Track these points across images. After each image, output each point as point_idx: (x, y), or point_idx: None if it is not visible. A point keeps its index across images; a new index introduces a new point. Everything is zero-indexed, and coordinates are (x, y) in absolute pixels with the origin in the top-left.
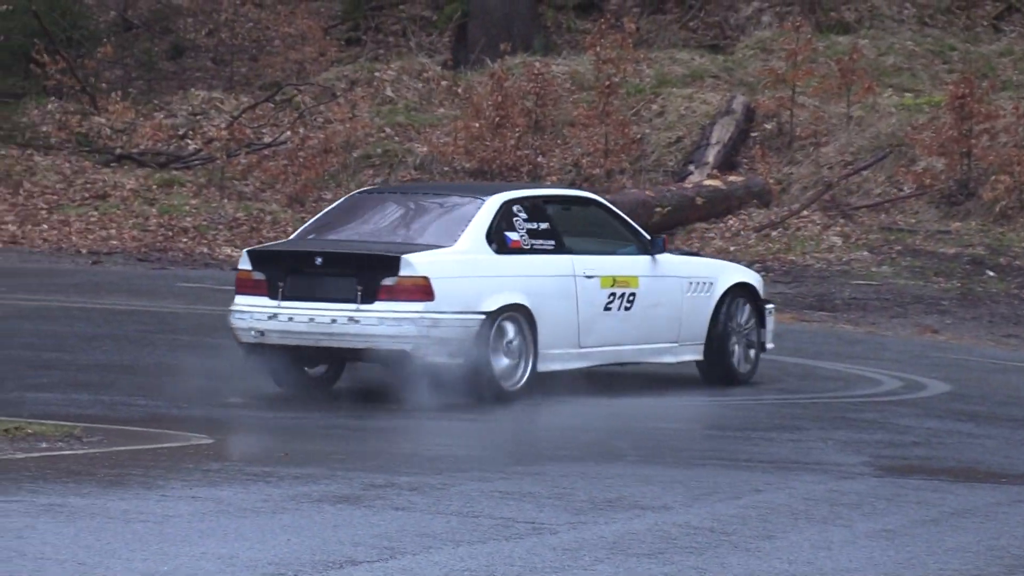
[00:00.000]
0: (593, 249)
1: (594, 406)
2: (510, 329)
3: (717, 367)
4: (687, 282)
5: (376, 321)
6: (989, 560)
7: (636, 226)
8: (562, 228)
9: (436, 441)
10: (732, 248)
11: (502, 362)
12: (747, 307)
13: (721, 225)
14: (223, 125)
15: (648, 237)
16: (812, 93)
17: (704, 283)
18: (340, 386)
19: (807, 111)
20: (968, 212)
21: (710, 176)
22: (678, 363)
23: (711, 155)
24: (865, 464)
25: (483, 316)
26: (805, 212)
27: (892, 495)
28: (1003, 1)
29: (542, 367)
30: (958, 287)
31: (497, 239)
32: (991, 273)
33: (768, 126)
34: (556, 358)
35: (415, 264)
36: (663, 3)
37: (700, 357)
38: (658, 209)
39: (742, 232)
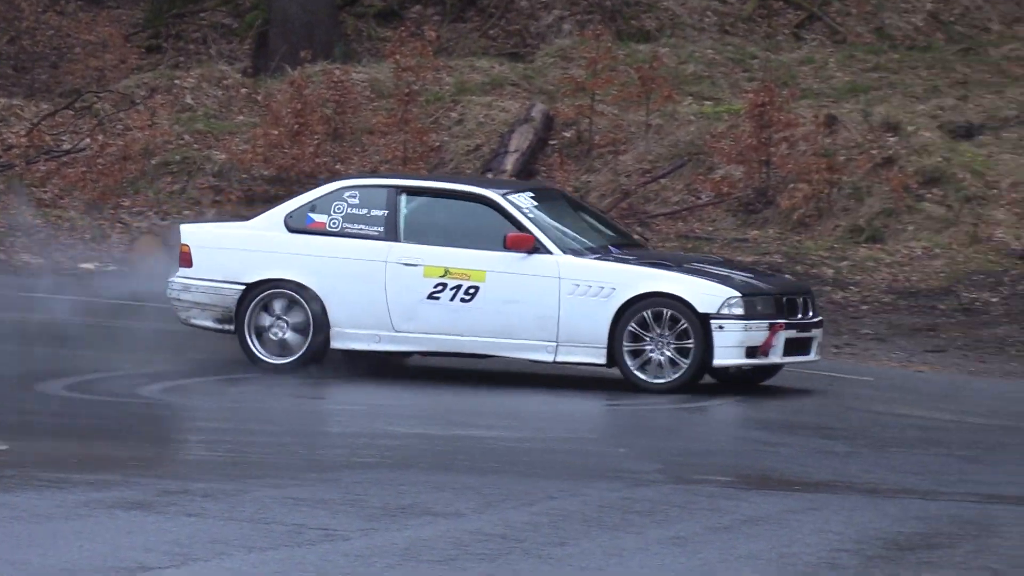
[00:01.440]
0: (443, 242)
1: (395, 409)
2: (278, 304)
3: (620, 372)
4: (571, 284)
5: (170, 285)
6: (781, 567)
7: (529, 225)
8: (422, 220)
9: (231, 447)
10: None
11: (275, 333)
12: (669, 316)
13: None
14: (23, 132)
15: (543, 239)
16: (611, 101)
17: (598, 287)
18: (152, 387)
19: (606, 119)
20: (766, 220)
21: None
22: (569, 363)
23: (509, 163)
24: (659, 471)
25: (242, 287)
26: None
27: (685, 502)
28: (804, 10)
29: (339, 344)
30: None
31: (298, 219)
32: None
33: (567, 134)
34: (359, 338)
35: (183, 232)
36: (464, 11)
37: (600, 360)
38: None
39: None
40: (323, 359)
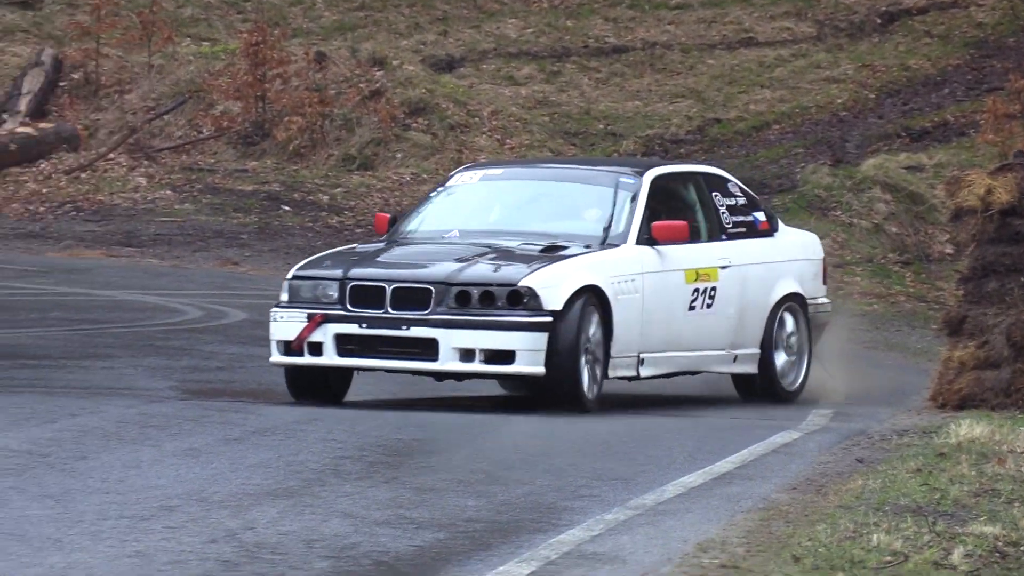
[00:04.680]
0: None
1: None
2: None
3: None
4: None
5: None
6: (288, 474)
7: None
8: None
9: None
10: (45, 190)
11: None
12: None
13: (34, 169)
14: None
15: None
16: (116, 44)
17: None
18: None
19: (112, 61)
20: (264, 151)
21: (22, 124)
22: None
23: (23, 104)
24: (172, 388)
25: None
26: (112, 155)
27: (198, 416)
28: None
29: None
30: (256, 221)
31: None
32: (287, 208)
33: (76, 76)
34: None
35: None
36: None
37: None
38: None
39: (54, 175)
40: None
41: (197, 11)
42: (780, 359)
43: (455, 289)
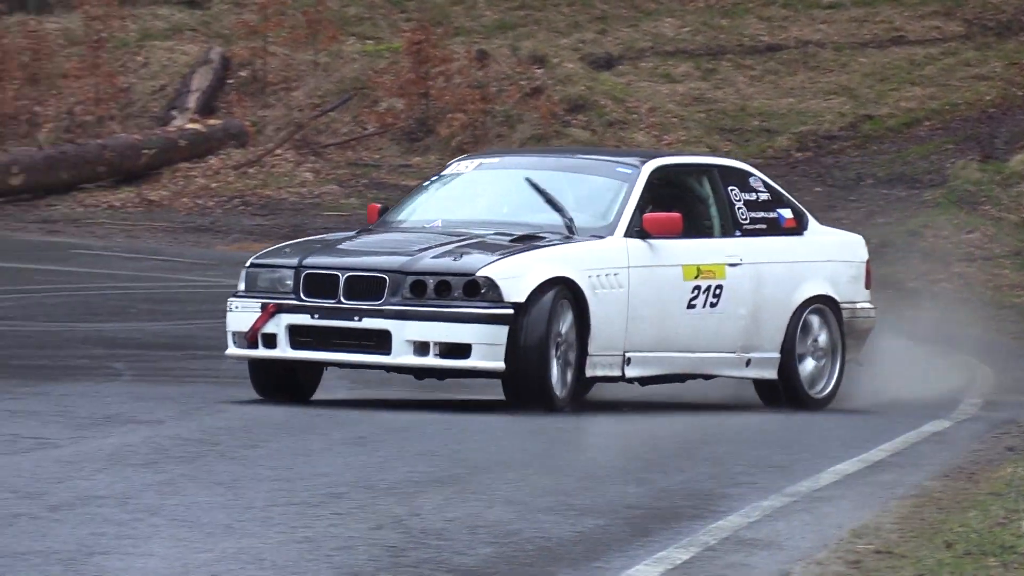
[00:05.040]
0: None
1: (92, 331)
2: None
3: None
4: None
5: None
6: (453, 462)
7: None
8: None
9: None
10: (214, 185)
11: None
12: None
13: (203, 164)
14: None
15: None
16: (282, 42)
17: None
18: None
19: (278, 59)
20: (427, 147)
21: (192, 120)
22: None
23: (192, 101)
24: (340, 378)
25: None
26: (279, 151)
27: (365, 406)
28: None
29: None
30: None
31: None
32: None
33: (243, 74)
34: None
35: None
36: None
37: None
38: (146, 151)
39: (222, 170)
40: None
41: (361, 10)
42: (805, 365)
43: (410, 279)
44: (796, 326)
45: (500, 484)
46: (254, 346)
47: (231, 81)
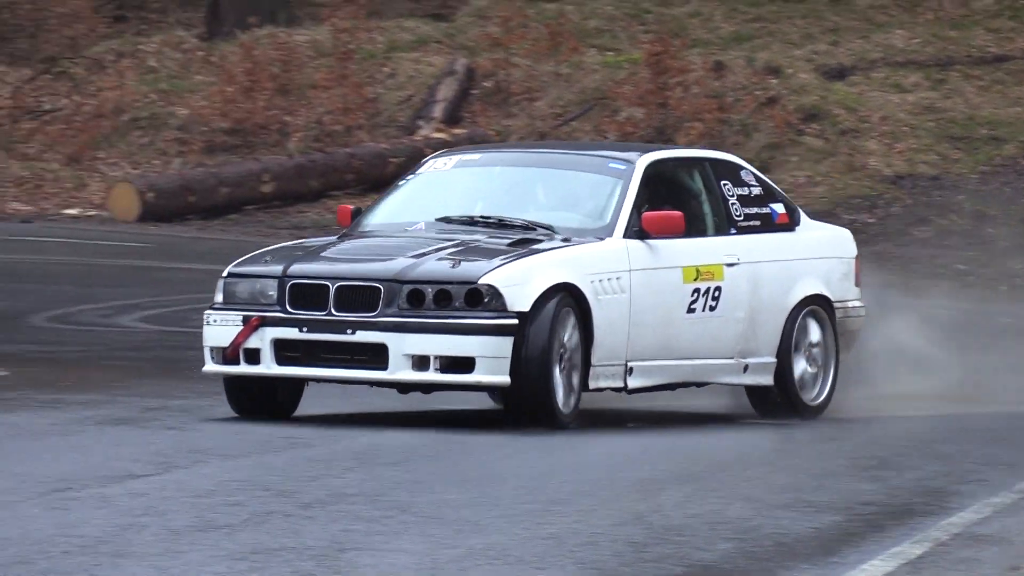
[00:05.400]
0: None
1: None
2: None
3: None
4: None
5: None
6: (693, 460)
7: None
8: None
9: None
10: None
11: None
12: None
13: None
14: (7, 95)
15: None
16: (525, 54)
17: None
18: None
19: (521, 70)
20: None
21: (437, 129)
22: None
23: (437, 111)
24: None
25: None
26: None
27: (592, 407)
28: None
29: None
30: None
31: None
32: None
33: (487, 84)
34: None
35: None
36: None
37: None
38: (393, 159)
39: None
40: None
41: (601, 23)
42: (800, 370)
43: (407, 288)
44: (792, 328)
45: (739, 482)
46: (235, 362)
47: (475, 91)
